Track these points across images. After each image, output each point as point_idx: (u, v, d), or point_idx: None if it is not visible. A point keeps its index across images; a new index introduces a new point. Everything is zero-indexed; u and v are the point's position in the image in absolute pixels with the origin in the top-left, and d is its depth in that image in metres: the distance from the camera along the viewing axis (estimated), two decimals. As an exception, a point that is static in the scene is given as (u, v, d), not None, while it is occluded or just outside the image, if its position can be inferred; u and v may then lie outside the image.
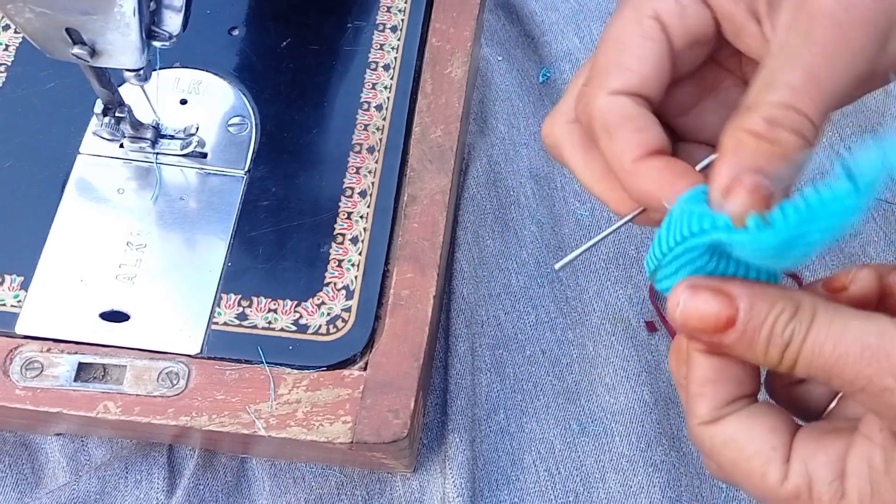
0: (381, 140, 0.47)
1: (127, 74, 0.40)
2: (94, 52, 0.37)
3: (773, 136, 0.26)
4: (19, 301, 0.42)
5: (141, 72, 0.40)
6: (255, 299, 0.43)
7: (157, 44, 0.38)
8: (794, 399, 0.31)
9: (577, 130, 0.32)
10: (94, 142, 0.46)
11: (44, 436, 0.48)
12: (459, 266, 0.51)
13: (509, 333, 0.51)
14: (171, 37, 0.38)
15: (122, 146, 0.46)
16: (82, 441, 0.48)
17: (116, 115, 0.44)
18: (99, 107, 0.43)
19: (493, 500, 0.47)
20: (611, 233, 0.31)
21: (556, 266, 0.31)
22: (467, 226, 0.52)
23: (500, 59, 0.59)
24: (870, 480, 0.26)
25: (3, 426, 0.48)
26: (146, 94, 0.43)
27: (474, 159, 0.54)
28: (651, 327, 0.51)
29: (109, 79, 0.41)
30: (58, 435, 0.48)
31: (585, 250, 0.31)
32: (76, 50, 0.37)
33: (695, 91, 0.33)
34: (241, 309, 0.43)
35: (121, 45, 0.37)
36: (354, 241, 0.44)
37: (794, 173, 0.27)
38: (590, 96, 0.30)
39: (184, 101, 0.48)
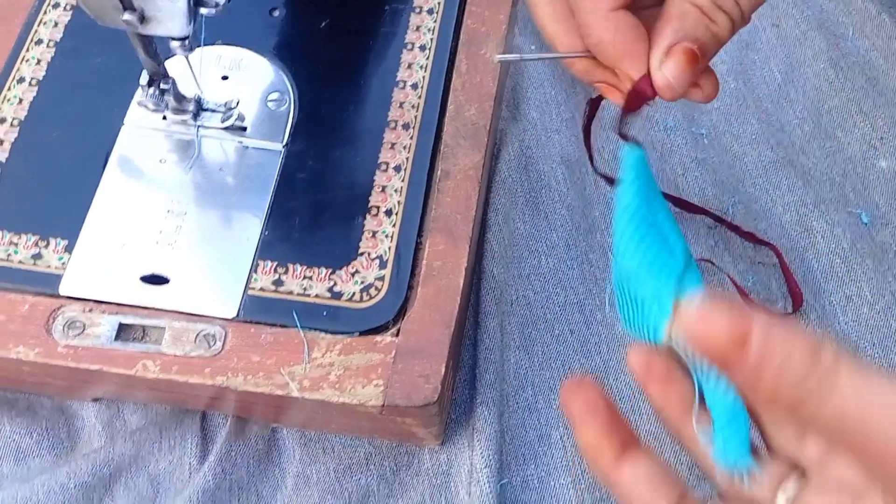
0: (416, 117, 0.48)
1: (173, 45, 0.42)
2: (143, 19, 0.39)
3: (714, 15, 0.30)
4: (63, 263, 0.44)
5: (186, 41, 0.41)
6: (290, 266, 0.44)
7: (203, 11, 0.39)
8: None
9: None
10: (138, 114, 0.47)
11: (81, 401, 0.50)
12: (490, 246, 0.52)
13: (538, 313, 0.51)
14: (217, 4, 0.39)
15: (164, 118, 0.47)
16: (118, 407, 0.49)
17: (161, 86, 0.45)
18: (144, 78, 0.45)
19: (520, 474, 0.47)
20: (550, 58, 0.34)
21: (496, 58, 0.32)
22: (498, 208, 0.53)
23: (533, 47, 0.60)
24: None
25: (42, 389, 0.49)
26: (190, 67, 0.45)
27: (506, 143, 0.55)
28: (680, 309, 0.51)
29: (156, 49, 0.43)
30: (95, 401, 0.49)
31: (529, 59, 0.33)
32: (126, 16, 0.39)
33: None
34: (277, 275, 0.44)
35: (169, 12, 0.38)
36: (388, 213, 0.45)
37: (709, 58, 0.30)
38: None
39: (225, 77, 0.49)
